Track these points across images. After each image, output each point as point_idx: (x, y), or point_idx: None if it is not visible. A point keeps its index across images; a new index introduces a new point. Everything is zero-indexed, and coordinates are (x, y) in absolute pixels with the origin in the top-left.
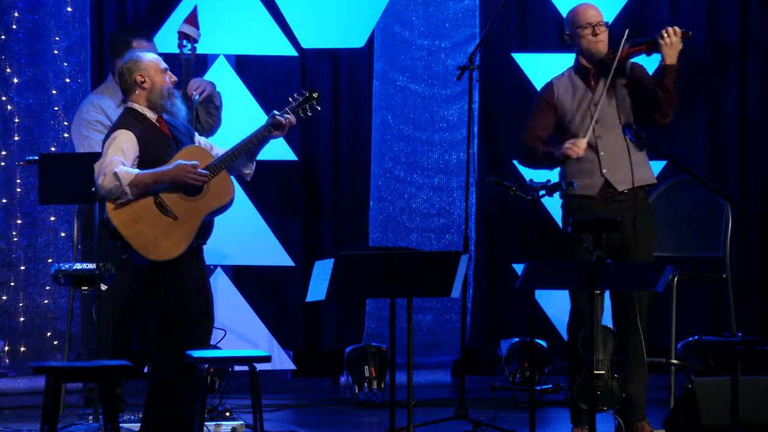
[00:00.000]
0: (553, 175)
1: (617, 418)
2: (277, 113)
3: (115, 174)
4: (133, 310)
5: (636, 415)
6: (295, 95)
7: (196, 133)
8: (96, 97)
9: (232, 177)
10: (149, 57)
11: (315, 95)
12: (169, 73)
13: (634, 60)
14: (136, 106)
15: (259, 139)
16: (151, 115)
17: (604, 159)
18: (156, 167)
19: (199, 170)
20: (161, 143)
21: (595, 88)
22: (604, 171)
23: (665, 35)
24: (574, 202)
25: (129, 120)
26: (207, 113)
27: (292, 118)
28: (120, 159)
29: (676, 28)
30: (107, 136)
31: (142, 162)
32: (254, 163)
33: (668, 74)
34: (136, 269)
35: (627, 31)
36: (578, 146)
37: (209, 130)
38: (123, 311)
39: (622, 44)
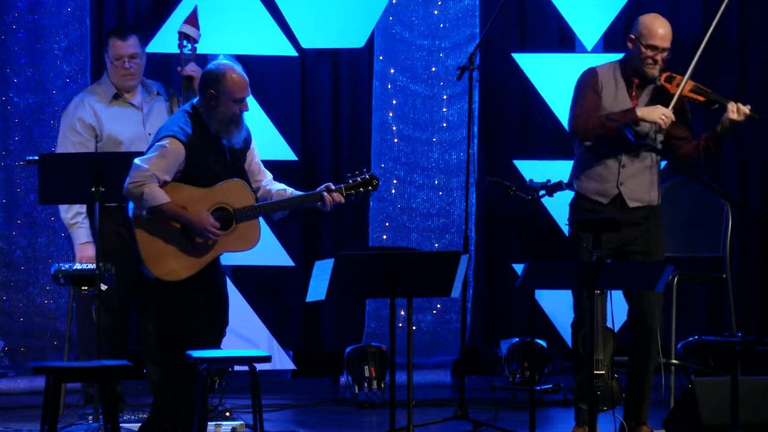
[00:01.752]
0: (553, 175)
1: (618, 418)
2: (332, 186)
3: (144, 193)
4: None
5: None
6: (356, 172)
7: (252, 142)
8: (87, 95)
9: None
10: (233, 81)
11: (375, 182)
12: (245, 103)
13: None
14: (203, 113)
15: (303, 202)
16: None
17: (624, 173)
18: (201, 173)
19: (216, 231)
20: (213, 155)
21: (635, 99)
22: (620, 185)
23: (733, 108)
24: (586, 204)
25: (187, 126)
26: None
27: (339, 197)
28: (159, 177)
29: (742, 107)
30: (159, 135)
31: (186, 169)
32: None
33: (715, 140)
34: (141, 273)
35: (692, 66)
36: (669, 117)
37: None
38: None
39: (685, 79)
